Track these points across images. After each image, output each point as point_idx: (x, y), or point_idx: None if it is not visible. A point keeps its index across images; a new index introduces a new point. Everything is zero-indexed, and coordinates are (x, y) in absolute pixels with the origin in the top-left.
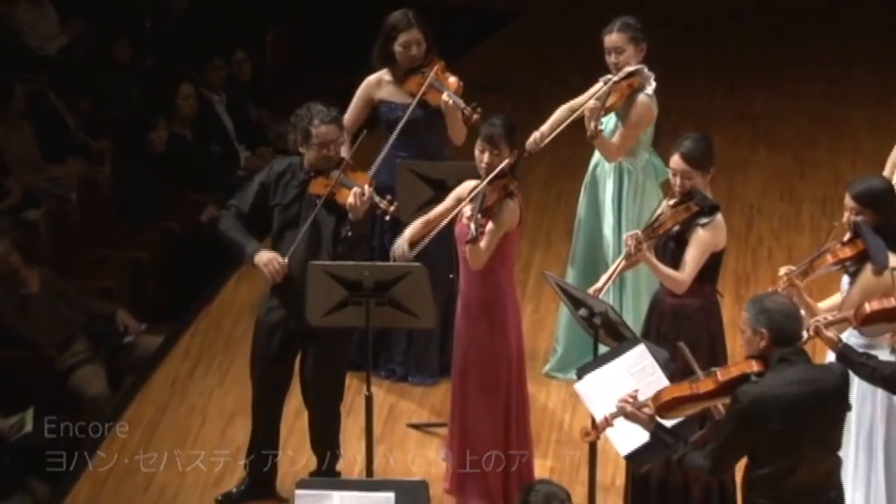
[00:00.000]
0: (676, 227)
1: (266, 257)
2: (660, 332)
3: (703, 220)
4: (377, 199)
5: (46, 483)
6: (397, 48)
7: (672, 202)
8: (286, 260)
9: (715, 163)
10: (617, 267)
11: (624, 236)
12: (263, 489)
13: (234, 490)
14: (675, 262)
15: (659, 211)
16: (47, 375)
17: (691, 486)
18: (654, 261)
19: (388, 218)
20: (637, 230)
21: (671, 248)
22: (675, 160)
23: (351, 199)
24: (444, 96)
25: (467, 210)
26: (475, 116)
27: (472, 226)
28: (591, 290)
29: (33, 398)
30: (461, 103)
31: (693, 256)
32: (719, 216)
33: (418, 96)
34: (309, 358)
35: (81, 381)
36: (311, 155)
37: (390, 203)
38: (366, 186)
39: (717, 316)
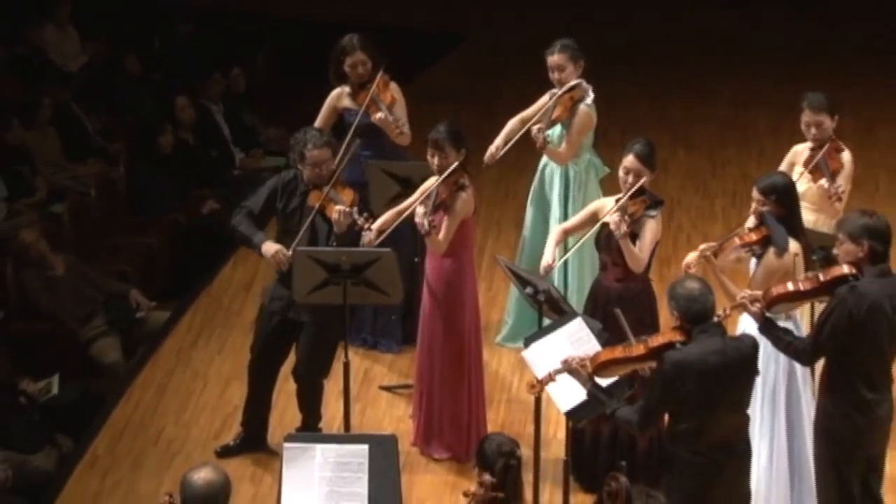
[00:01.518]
0: (638, 214)
1: (273, 248)
2: (606, 312)
3: (653, 213)
4: (356, 216)
5: (71, 438)
6: (346, 68)
7: (622, 196)
8: (290, 252)
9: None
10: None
11: (611, 220)
12: (256, 442)
13: (232, 443)
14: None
15: (616, 203)
16: (71, 346)
17: (637, 441)
18: (629, 241)
19: (364, 232)
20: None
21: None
22: (630, 159)
23: (335, 216)
24: (379, 115)
25: (420, 209)
26: (400, 130)
27: (425, 223)
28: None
29: (59, 365)
30: (390, 118)
31: (647, 242)
32: (661, 211)
33: (362, 109)
34: (302, 343)
35: (100, 351)
36: (306, 173)
37: (367, 219)
38: (346, 208)
39: (654, 296)
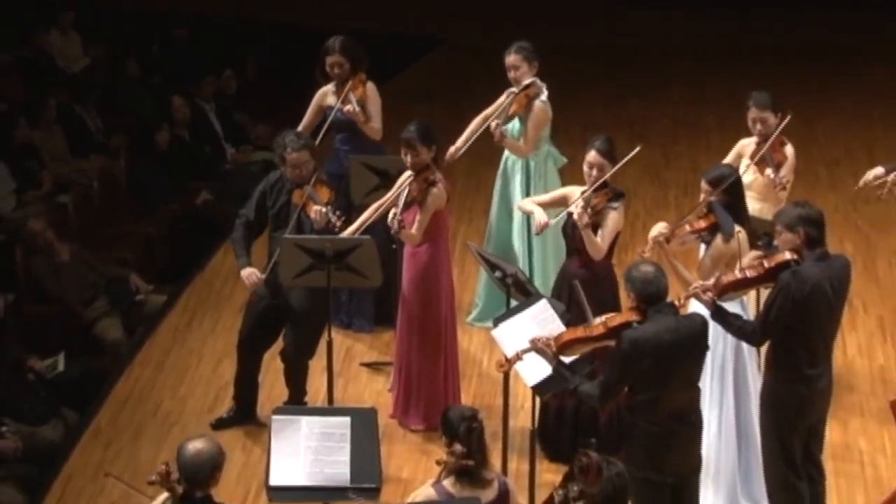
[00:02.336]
0: (600, 206)
1: (247, 272)
2: (572, 296)
3: (615, 204)
4: (331, 216)
5: (76, 411)
6: (327, 68)
7: (587, 189)
8: (264, 275)
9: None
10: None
11: (574, 210)
12: (247, 415)
13: (225, 416)
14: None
15: (582, 195)
16: (75, 326)
17: (599, 414)
18: (590, 232)
19: (336, 229)
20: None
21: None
22: (592, 155)
23: (314, 215)
24: (348, 107)
25: (392, 210)
26: (366, 121)
27: (395, 223)
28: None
29: (64, 344)
30: (357, 110)
31: (607, 232)
32: (623, 202)
33: (337, 105)
34: (289, 329)
35: (103, 330)
36: (288, 173)
37: (339, 218)
38: (322, 208)
39: (616, 280)
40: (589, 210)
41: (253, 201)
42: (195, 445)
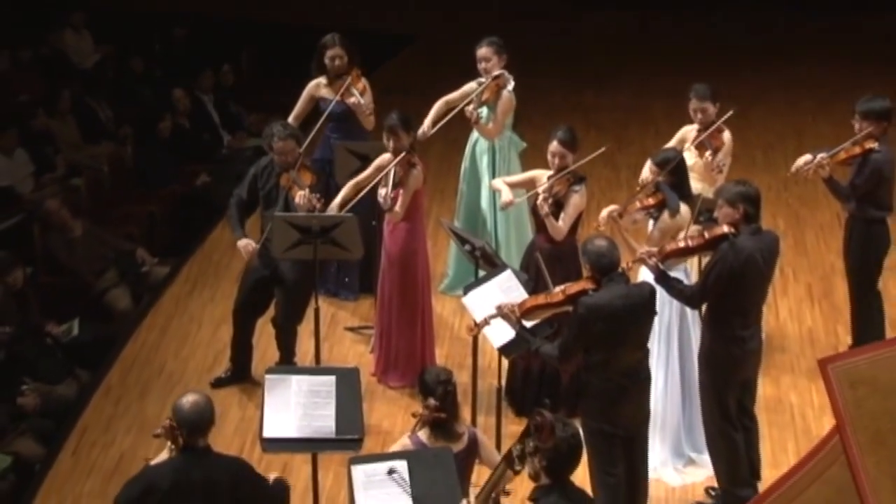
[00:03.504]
0: (562, 192)
1: (242, 243)
2: (539, 270)
3: (577, 188)
4: (314, 201)
5: (88, 371)
6: (326, 61)
7: (551, 175)
8: (258, 245)
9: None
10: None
11: (539, 199)
12: (243, 374)
13: (223, 375)
14: (554, 216)
15: (547, 182)
16: (88, 295)
17: (561, 376)
18: (550, 218)
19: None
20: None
21: (551, 206)
22: (554, 145)
23: (298, 199)
24: (353, 99)
25: (382, 190)
26: (370, 113)
27: (388, 200)
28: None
29: (78, 311)
30: (363, 104)
31: (569, 213)
32: (585, 185)
33: (337, 96)
34: (279, 298)
35: (112, 299)
36: (276, 159)
37: (319, 200)
38: (306, 193)
39: (578, 255)
40: (549, 199)
41: (246, 182)
42: (190, 399)
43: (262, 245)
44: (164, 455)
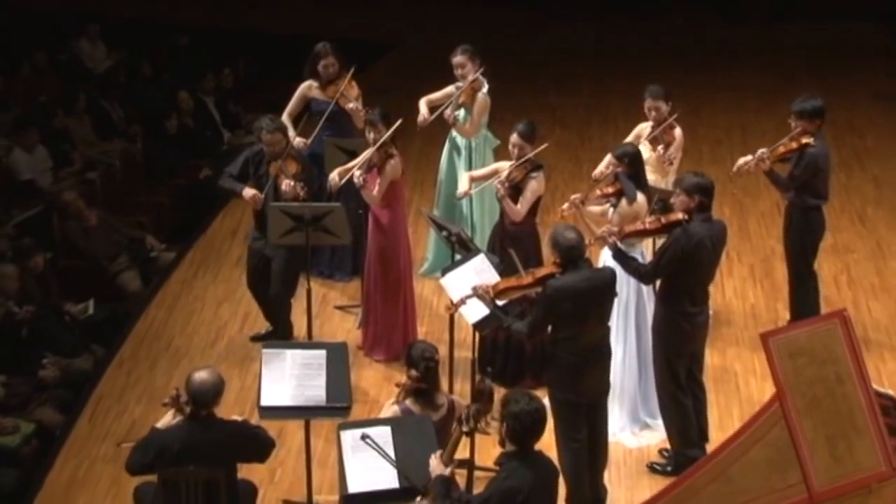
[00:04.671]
0: (518, 178)
1: (250, 192)
2: (503, 248)
3: (534, 175)
4: (298, 189)
5: (103, 346)
6: (320, 67)
7: (513, 164)
8: (262, 196)
9: (538, 139)
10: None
11: (495, 183)
12: (284, 333)
13: (263, 332)
14: (514, 200)
15: (507, 169)
16: (102, 277)
17: (525, 345)
18: (508, 201)
19: (300, 198)
20: (503, 180)
21: (510, 191)
22: (514, 137)
23: (284, 187)
24: (350, 104)
25: (357, 171)
26: (365, 115)
27: (361, 180)
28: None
29: (93, 292)
30: (359, 107)
31: (527, 197)
32: (542, 172)
33: (335, 99)
34: (272, 273)
35: (124, 281)
36: (265, 149)
37: (303, 188)
38: (291, 181)
39: (538, 236)
40: (506, 184)
41: (238, 162)
42: (201, 375)
43: (258, 228)
44: (167, 419)
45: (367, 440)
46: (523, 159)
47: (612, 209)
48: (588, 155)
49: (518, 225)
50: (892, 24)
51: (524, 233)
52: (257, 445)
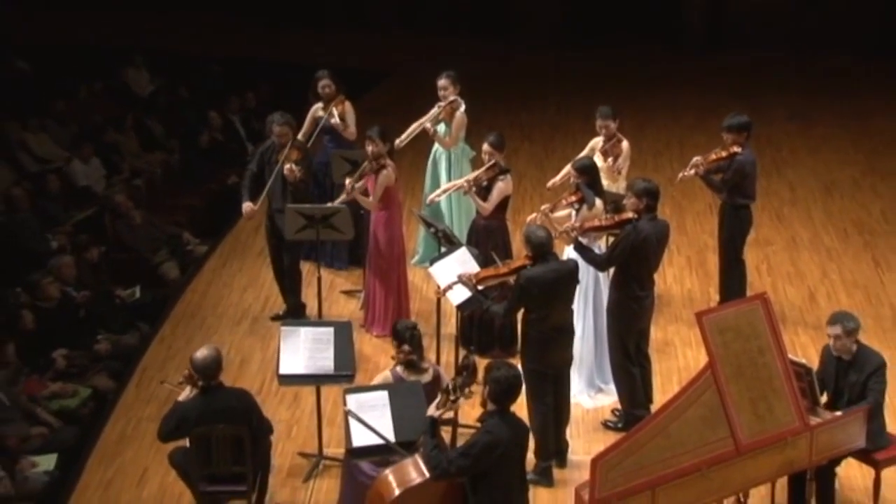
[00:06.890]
0: (485, 179)
1: (246, 206)
2: (478, 241)
3: (502, 177)
4: (297, 172)
5: (147, 324)
6: (319, 89)
7: (482, 169)
8: (256, 206)
9: (505, 147)
10: (452, 188)
11: (462, 182)
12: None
13: (281, 313)
14: (483, 199)
15: (478, 172)
16: (146, 267)
17: (495, 322)
18: (476, 197)
19: (296, 179)
20: (469, 179)
21: (482, 191)
22: (486, 146)
23: (286, 172)
24: (333, 120)
25: (348, 181)
26: (344, 128)
27: (352, 189)
28: (432, 197)
29: (139, 279)
30: (337, 121)
31: (494, 196)
32: (510, 176)
33: (325, 116)
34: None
35: (165, 271)
36: (275, 140)
37: (300, 171)
38: (293, 167)
39: (507, 230)
40: (472, 182)
41: (255, 158)
42: (202, 352)
43: (270, 218)
44: (186, 393)
45: (348, 410)
46: (490, 163)
47: (574, 213)
48: (552, 164)
49: (488, 219)
50: (802, 53)
51: (494, 226)
52: (260, 412)
